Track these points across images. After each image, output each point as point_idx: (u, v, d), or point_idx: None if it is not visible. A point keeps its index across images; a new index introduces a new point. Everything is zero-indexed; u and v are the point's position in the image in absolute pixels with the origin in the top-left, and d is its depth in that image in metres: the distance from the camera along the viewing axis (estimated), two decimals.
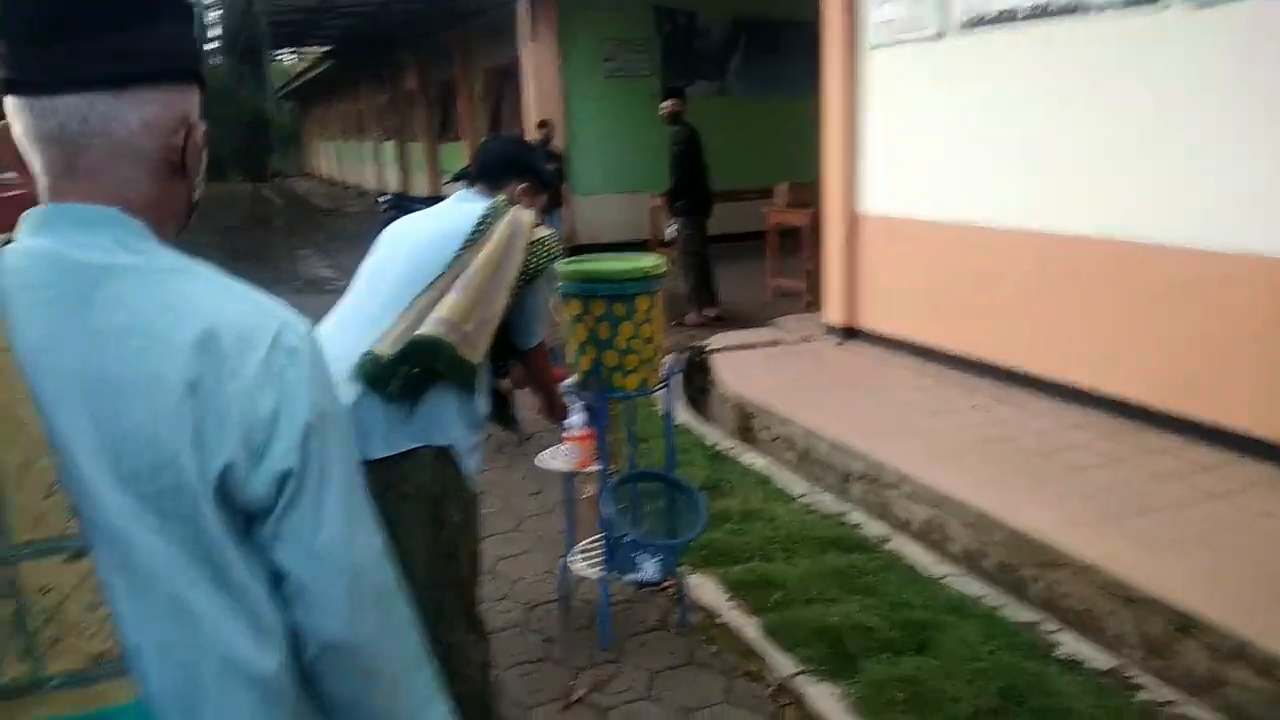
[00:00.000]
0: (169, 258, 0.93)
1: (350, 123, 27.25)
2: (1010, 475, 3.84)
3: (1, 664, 0.83)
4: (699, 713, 2.69)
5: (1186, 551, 3.11)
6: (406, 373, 2.09)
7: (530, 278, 2.32)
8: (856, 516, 3.84)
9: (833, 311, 6.53)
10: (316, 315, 2.20)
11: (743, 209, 9.83)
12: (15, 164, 0.95)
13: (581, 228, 11.85)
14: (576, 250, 11.42)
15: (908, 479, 3.96)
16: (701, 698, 2.74)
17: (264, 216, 18.19)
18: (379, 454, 2.10)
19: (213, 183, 39.75)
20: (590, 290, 2.84)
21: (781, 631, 2.94)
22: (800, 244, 8.27)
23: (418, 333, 2.11)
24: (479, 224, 2.26)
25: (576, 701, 2.71)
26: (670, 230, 8.14)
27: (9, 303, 0.86)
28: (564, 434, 3.06)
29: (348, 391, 2.08)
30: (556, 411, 2.77)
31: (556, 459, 3.13)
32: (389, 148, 22.03)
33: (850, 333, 6.39)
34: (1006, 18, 4.91)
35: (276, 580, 0.91)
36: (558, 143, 10.59)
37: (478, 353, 2.19)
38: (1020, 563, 3.36)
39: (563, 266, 2.84)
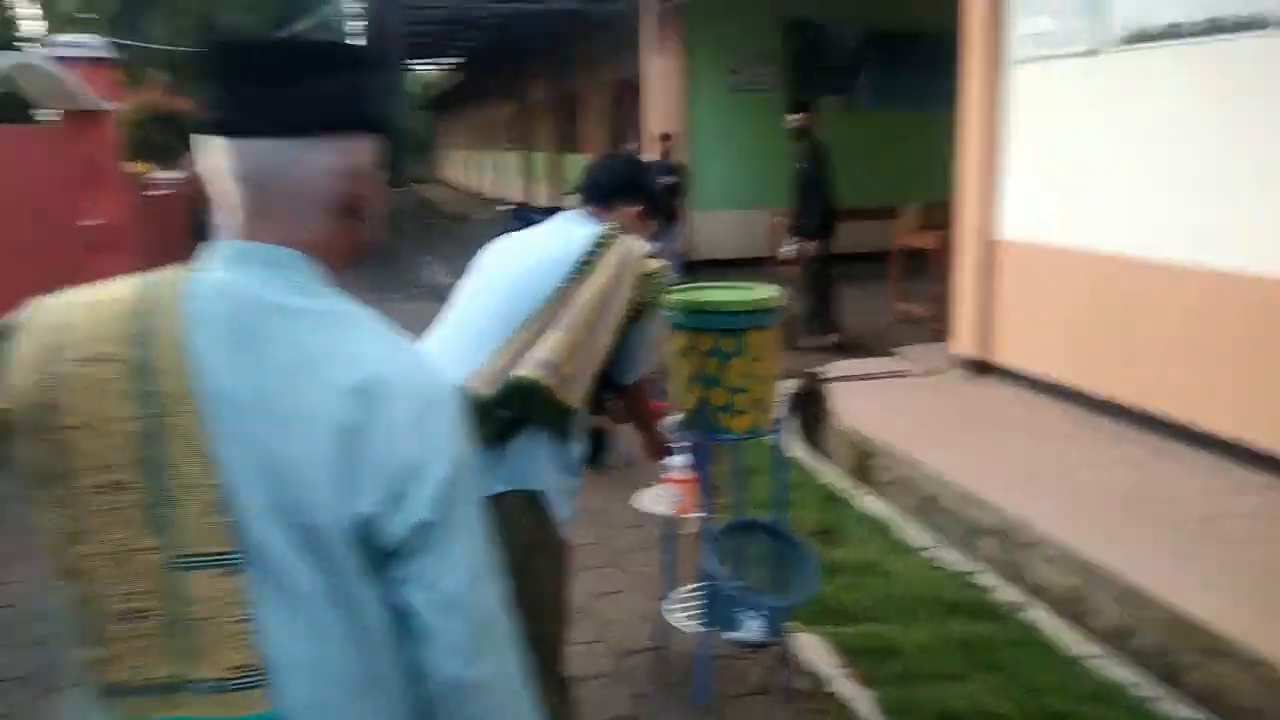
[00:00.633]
0: (341, 304, 0.99)
1: (478, 132, 27.88)
2: (1167, 543, 3.41)
3: (157, 663, 0.91)
4: None
5: None
6: (500, 417, 1.93)
7: (638, 314, 2.12)
8: (986, 578, 3.48)
9: (963, 342, 6.10)
10: (430, 322, 2.08)
11: (867, 228, 9.41)
12: (209, 198, 1.02)
13: (700, 243, 11.64)
14: (694, 266, 11.32)
15: (1047, 540, 3.57)
16: None
17: (393, 221, 18.71)
18: None
19: None
20: (698, 323, 2.61)
21: (899, 711, 2.64)
22: (928, 267, 7.83)
23: (516, 374, 1.95)
24: (587, 254, 2.07)
25: None
26: (788, 249, 7.81)
27: (194, 330, 0.92)
28: (665, 474, 2.84)
29: None
30: (658, 451, 2.57)
31: (656, 501, 2.91)
32: (514, 157, 22.38)
33: (982, 367, 5.95)
34: (1172, 33, 4.45)
35: (400, 616, 0.97)
36: (679, 156, 10.42)
37: (577, 397, 2.02)
38: (1177, 647, 2.95)
39: (670, 295, 2.63)
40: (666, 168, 9.84)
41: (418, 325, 2.03)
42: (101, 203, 9.79)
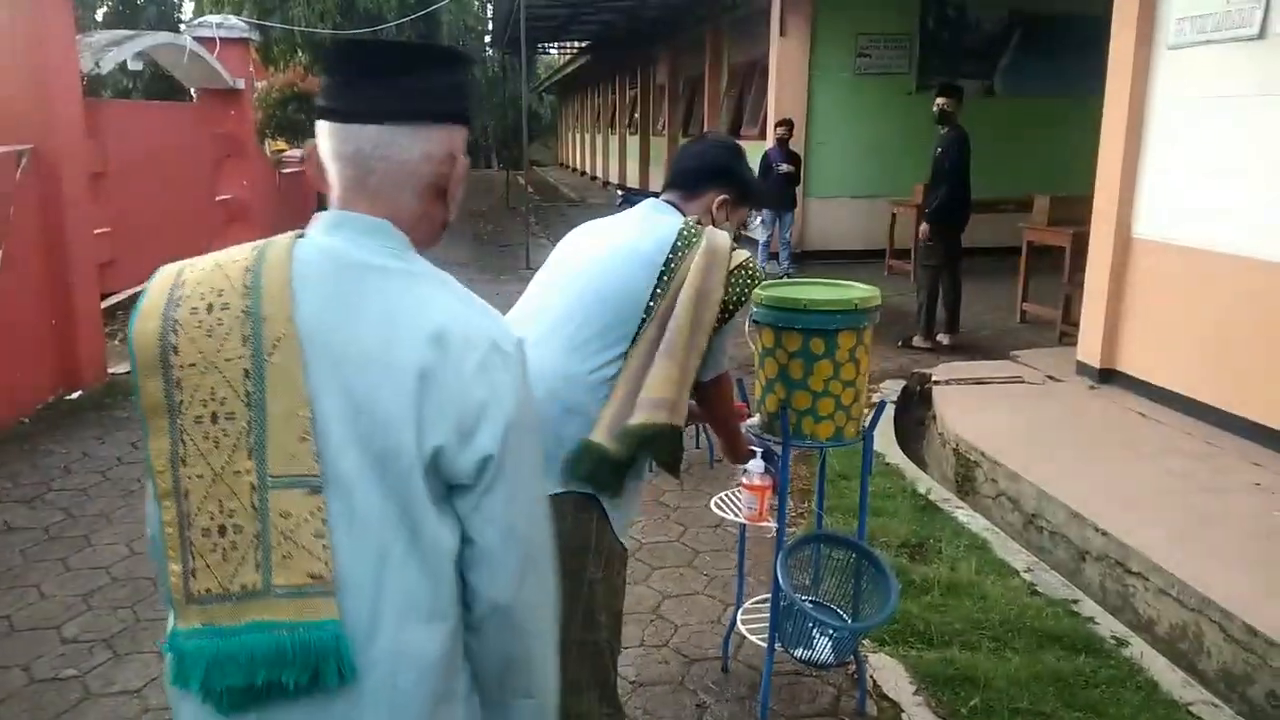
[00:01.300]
0: (423, 265, 1.15)
1: (600, 116, 28.03)
2: None
3: (240, 571, 1.04)
4: None
5: None
6: (625, 467, 1.88)
7: (730, 313, 2.01)
8: (1089, 607, 3.22)
9: (1089, 348, 5.71)
10: None
11: (997, 221, 8.95)
12: (311, 173, 1.20)
13: (813, 233, 11.35)
14: (806, 257, 11.04)
15: (1160, 570, 3.28)
16: None
17: (513, 204, 19.01)
18: None
19: (474, 169, 42.44)
20: (786, 320, 2.44)
21: None
22: (1060, 266, 7.37)
23: (639, 422, 1.87)
24: (670, 256, 1.94)
25: None
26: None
27: (298, 284, 1.08)
28: (743, 480, 2.72)
29: None
30: (739, 453, 2.44)
31: (729, 507, 2.80)
32: (633, 142, 22.40)
33: (1108, 375, 5.57)
34: None
35: (462, 544, 1.10)
36: (797, 144, 10.16)
37: (683, 414, 1.94)
38: None
39: (757, 290, 2.49)
40: (784, 155, 9.61)
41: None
42: (238, 178, 10.29)
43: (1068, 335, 6.88)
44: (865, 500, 2.73)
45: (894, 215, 10.34)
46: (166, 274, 1.12)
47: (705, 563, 3.62)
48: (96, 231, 6.47)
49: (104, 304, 6.96)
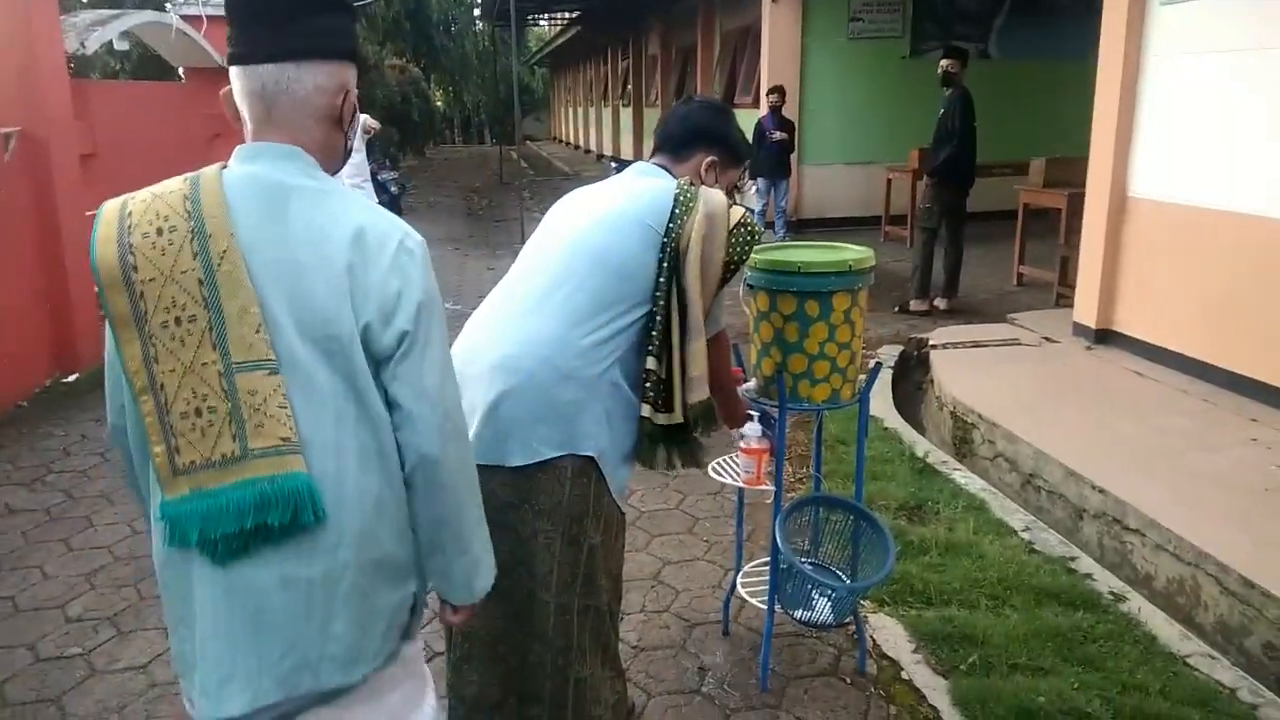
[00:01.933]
0: (332, 184, 1.38)
1: (593, 88, 27.82)
2: None
3: (219, 443, 1.26)
4: None
5: None
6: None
7: (732, 272, 2.00)
8: (1086, 564, 3.24)
9: (1085, 309, 5.71)
10: None
11: (992, 185, 8.90)
12: (227, 113, 1.40)
13: (808, 201, 11.30)
14: (802, 225, 10.99)
15: (1157, 525, 3.30)
16: None
17: (507, 179, 18.92)
18: (516, 461, 1.87)
19: (467, 145, 42.01)
20: (780, 283, 2.44)
21: (976, 703, 2.48)
22: (1056, 229, 7.35)
23: (695, 400, 2.01)
24: (670, 226, 1.91)
25: None
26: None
27: (232, 207, 1.29)
28: (740, 444, 2.72)
29: (489, 388, 1.86)
30: (736, 417, 2.44)
31: (727, 471, 2.81)
32: (626, 114, 22.24)
33: (1104, 336, 5.57)
34: None
35: (391, 407, 1.34)
36: (790, 110, 10.09)
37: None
38: None
39: (753, 254, 2.48)
40: (778, 123, 9.54)
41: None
42: (228, 157, 10.22)
43: (1064, 297, 6.87)
44: (862, 462, 2.73)
45: (889, 181, 10.29)
46: (112, 207, 1.32)
47: (705, 529, 3.64)
48: (88, 213, 6.42)
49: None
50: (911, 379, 5.74)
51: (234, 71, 1.35)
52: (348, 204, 1.34)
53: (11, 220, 5.50)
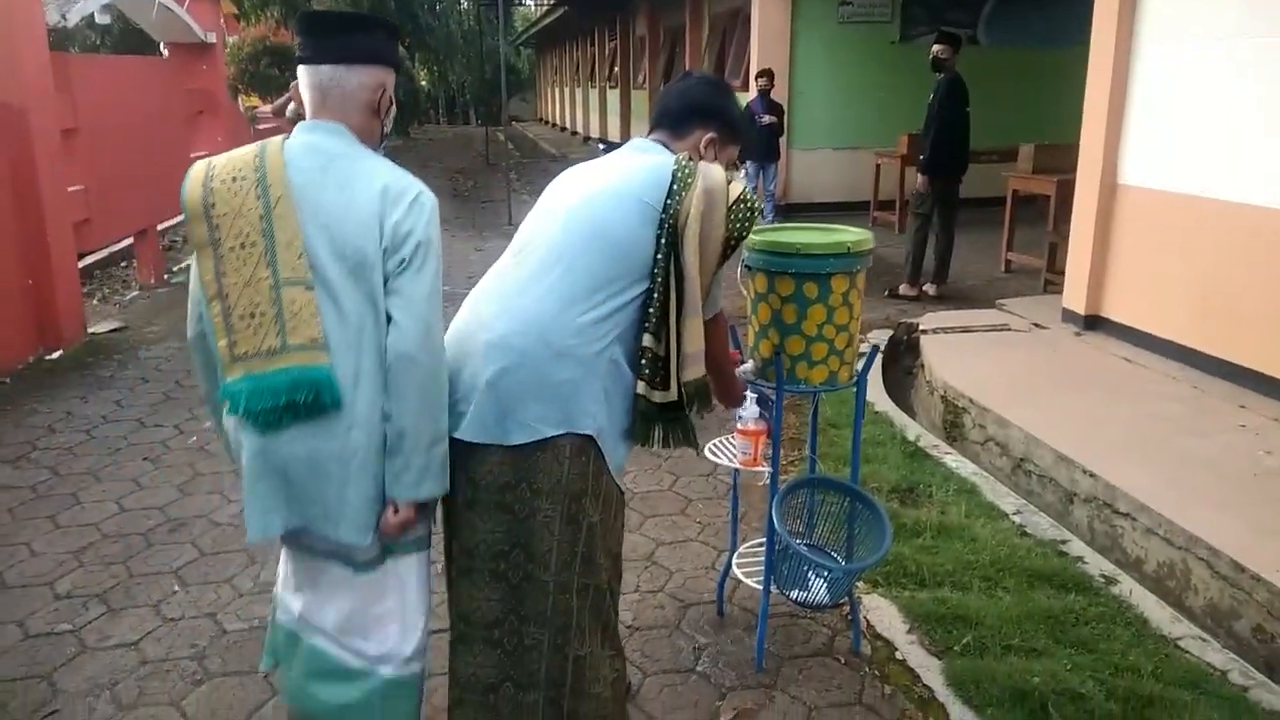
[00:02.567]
0: (367, 153, 1.81)
1: (579, 70, 27.63)
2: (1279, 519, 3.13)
3: (266, 339, 1.69)
4: None
5: None
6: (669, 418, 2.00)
7: (732, 249, 1.97)
8: (1077, 547, 3.26)
9: (1075, 296, 5.74)
10: None
11: (981, 172, 8.91)
12: (296, 99, 1.92)
13: (796, 185, 11.29)
14: (790, 209, 10.99)
15: (1148, 510, 3.33)
16: None
17: (493, 160, 18.80)
18: (515, 440, 1.85)
19: (452, 125, 41.61)
20: (779, 265, 2.42)
21: (970, 684, 2.50)
22: (1045, 214, 7.37)
23: (690, 378, 1.98)
24: (668, 202, 1.89)
25: None
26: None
27: (289, 165, 1.75)
28: (737, 426, 2.72)
29: (486, 367, 1.84)
30: (733, 396, 2.42)
31: (723, 452, 2.80)
32: (613, 95, 22.12)
33: (1093, 322, 5.60)
34: None
35: (389, 318, 1.73)
36: (779, 94, 10.05)
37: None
38: None
39: (750, 236, 2.46)
40: (767, 106, 9.51)
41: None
42: (212, 134, 10.07)
43: (1052, 284, 6.91)
44: (858, 444, 2.73)
45: (878, 166, 10.29)
46: (201, 163, 1.80)
47: (697, 510, 3.64)
48: (70, 189, 6.33)
49: (80, 263, 6.85)
50: (901, 364, 5.75)
51: (301, 69, 1.81)
52: (377, 167, 1.78)
53: None
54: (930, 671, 2.59)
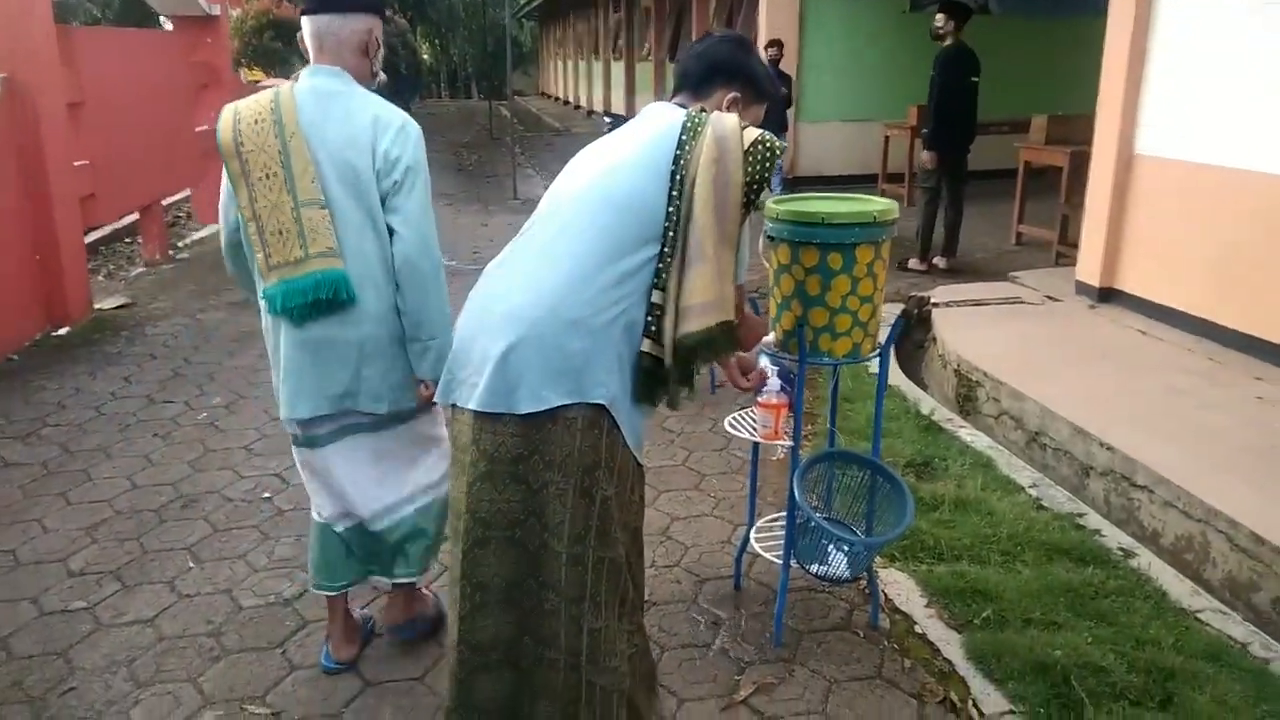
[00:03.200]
0: (361, 90, 2.24)
1: (583, 42, 27.38)
2: None
3: (292, 250, 2.14)
4: None
5: None
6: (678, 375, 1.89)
7: (755, 194, 1.89)
8: (1094, 520, 3.24)
9: (1089, 268, 5.69)
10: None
11: (992, 143, 8.82)
12: (303, 47, 2.29)
13: (804, 158, 11.19)
14: (798, 183, 10.90)
15: (1166, 482, 3.30)
16: None
17: (496, 134, 18.67)
18: (525, 409, 1.80)
19: (454, 99, 41.29)
20: (803, 235, 2.38)
21: (990, 657, 2.48)
22: (1057, 186, 7.30)
23: (685, 332, 1.83)
24: (678, 154, 1.84)
25: (740, 703, 2.40)
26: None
27: (299, 106, 2.18)
28: (758, 398, 2.68)
29: (500, 338, 1.80)
30: (750, 341, 2.35)
31: (743, 426, 2.77)
32: (618, 68, 21.92)
33: (1107, 294, 5.55)
34: None
35: (390, 236, 2.21)
36: (788, 66, 9.94)
37: (732, 305, 1.89)
38: None
39: (772, 205, 2.42)
40: (776, 76, 9.40)
41: (513, 235, 1.94)
42: (216, 108, 9.99)
43: (1065, 256, 6.85)
44: (880, 416, 2.71)
45: (887, 138, 10.19)
46: (228, 110, 2.21)
47: (712, 485, 3.62)
48: (76, 164, 6.28)
49: (87, 239, 6.81)
50: (912, 337, 5.72)
51: (304, 20, 2.21)
52: (369, 101, 2.21)
53: None
54: (950, 645, 2.57)
